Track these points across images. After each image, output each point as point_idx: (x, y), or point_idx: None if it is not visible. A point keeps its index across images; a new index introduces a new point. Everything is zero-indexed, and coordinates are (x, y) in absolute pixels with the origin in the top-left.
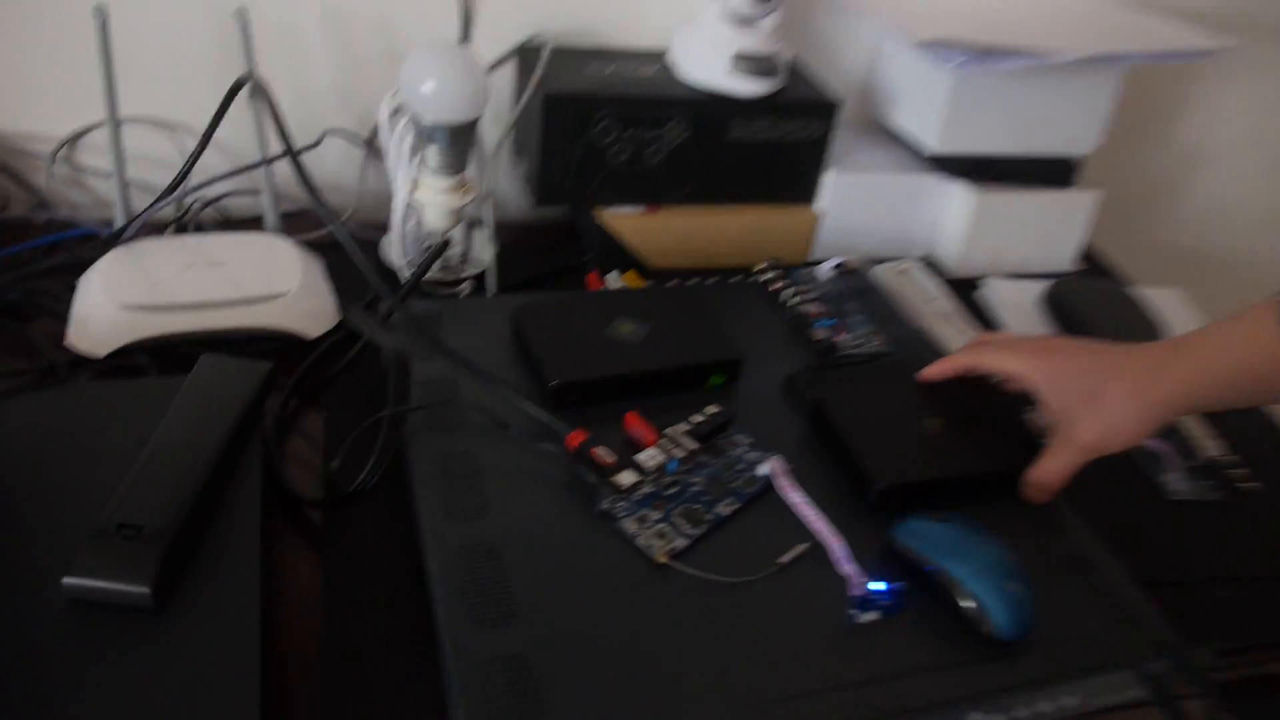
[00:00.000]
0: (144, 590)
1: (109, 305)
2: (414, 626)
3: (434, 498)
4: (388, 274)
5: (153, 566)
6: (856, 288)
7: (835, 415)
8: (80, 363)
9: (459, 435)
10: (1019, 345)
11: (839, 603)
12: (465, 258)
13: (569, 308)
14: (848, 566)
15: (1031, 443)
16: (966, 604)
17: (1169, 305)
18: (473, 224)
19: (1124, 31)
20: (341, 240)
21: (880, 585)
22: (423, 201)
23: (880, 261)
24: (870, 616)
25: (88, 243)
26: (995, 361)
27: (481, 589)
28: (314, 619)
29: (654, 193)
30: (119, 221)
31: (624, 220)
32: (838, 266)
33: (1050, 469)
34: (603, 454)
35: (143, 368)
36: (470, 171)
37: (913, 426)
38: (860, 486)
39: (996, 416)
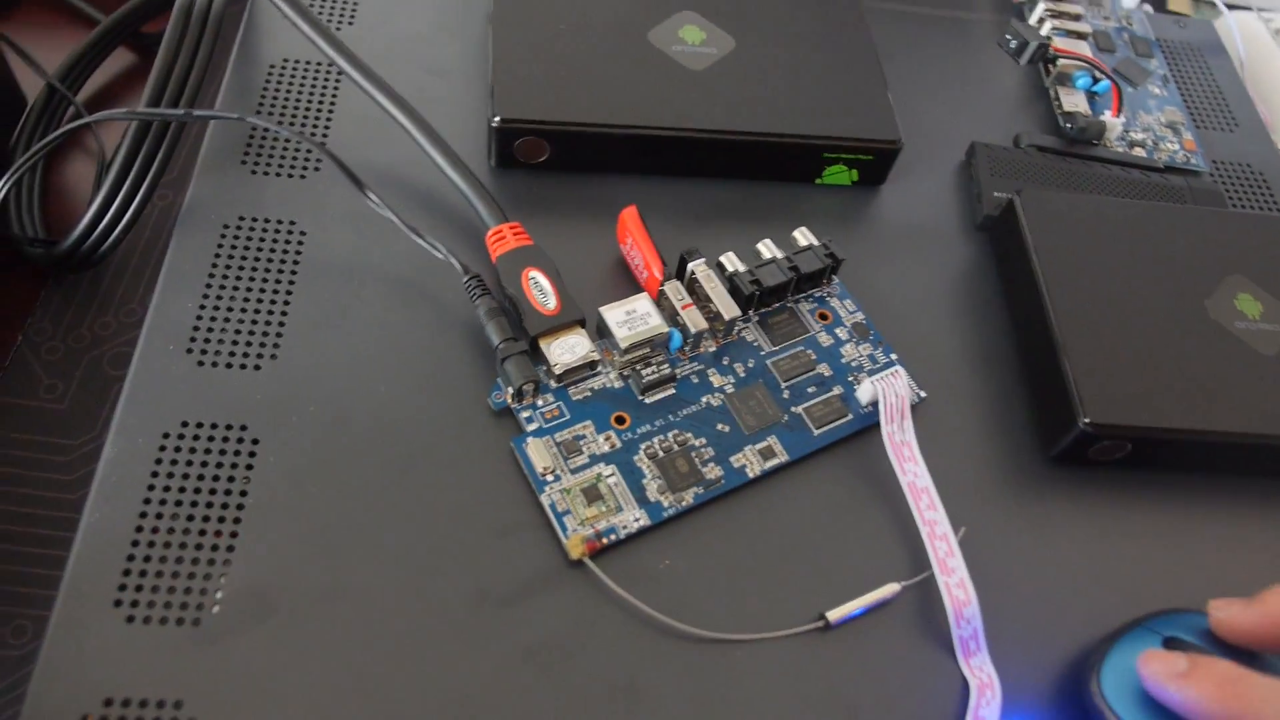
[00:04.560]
0: None
1: None
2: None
3: (180, 298)
4: None
5: None
6: (1178, 40)
7: (1036, 240)
8: None
9: (290, 185)
10: None
11: None
12: None
13: None
14: (979, 664)
15: None
16: None
17: None
18: None
19: None
20: None
21: None
22: None
23: (1241, 6)
24: None
25: None
26: None
27: (174, 531)
28: None
29: None
30: None
31: None
32: None
33: None
34: (540, 287)
35: None
36: None
37: (1197, 305)
38: (1048, 410)
39: None
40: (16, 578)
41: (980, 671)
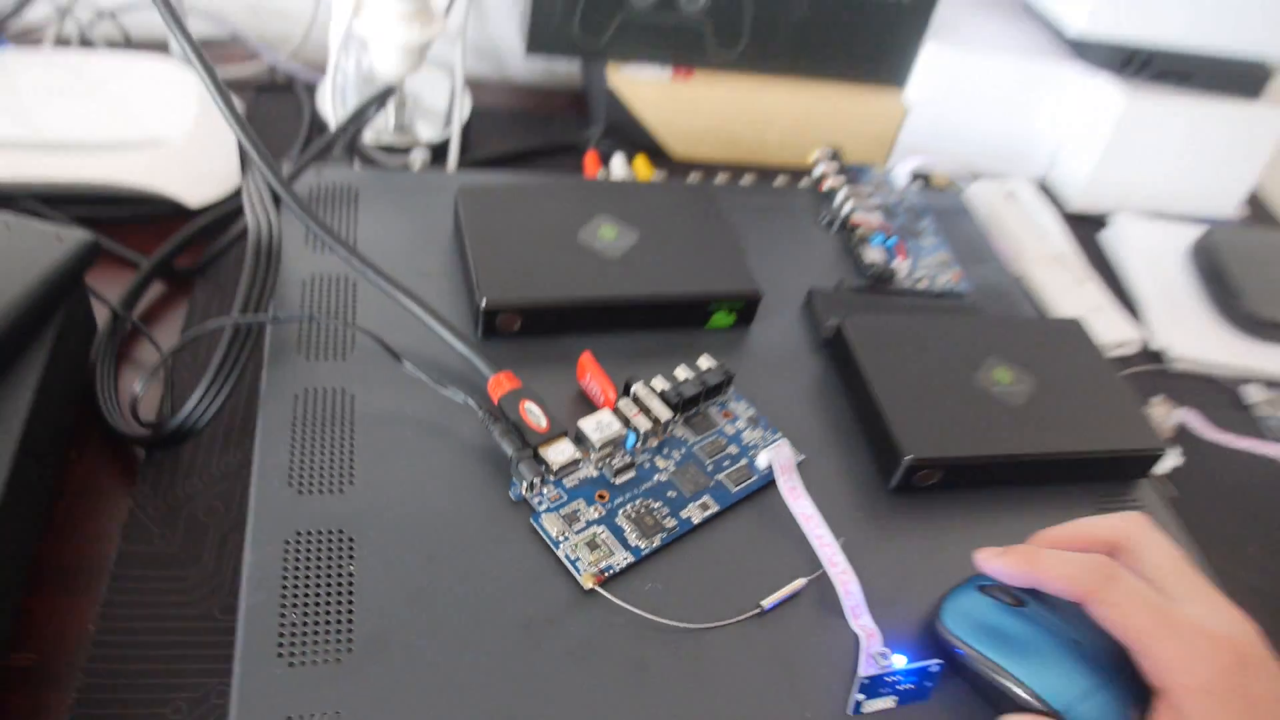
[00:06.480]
0: None
1: None
2: (223, 635)
3: (277, 452)
4: (322, 128)
5: None
6: (939, 205)
7: (860, 347)
8: None
9: (338, 364)
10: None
11: (843, 674)
12: (448, 119)
13: (535, 198)
14: (863, 622)
15: (1139, 423)
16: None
17: None
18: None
19: None
20: (195, 65)
21: (905, 663)
22: (367, 32)
23: (980, 178)
24: (882, 704)
25: None
26: (1142, 632)
27: (309, 602)
28: (94, 605)
29: (688, 51)
30: None
31: (643, 86)
32: (917, 173)
33: None
34: (532, 414)
35: None
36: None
37: (969, 378)
38: (884, 456)
39: (1092, 379)
40: (169, 672)
41: (865, 626)
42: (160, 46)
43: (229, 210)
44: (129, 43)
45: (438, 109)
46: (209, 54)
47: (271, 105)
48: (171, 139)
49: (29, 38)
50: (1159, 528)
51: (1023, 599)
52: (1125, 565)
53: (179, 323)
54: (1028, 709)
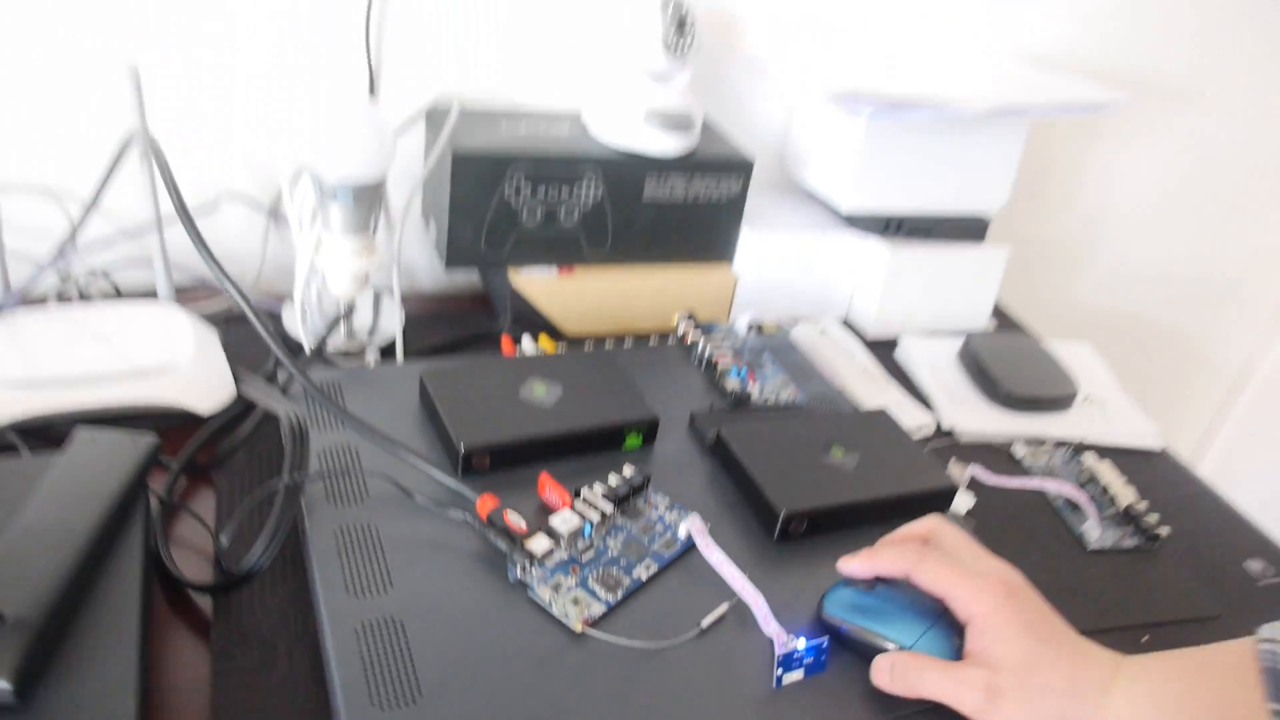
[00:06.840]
0: (3, 685)
1: None
2: (312, 716)
3: (332, 574)
4: (290, 344)
5: (15, 657)
6: (773, 344)
7: (736, 447)
8: None
9: (360, 506)
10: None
11: (765, 664)
12: (373, 328)
13: (479, 372)
14: (772, 625)
15: (935, 471)
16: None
17: (1080, 358)
18: (380, 293)
19: (1026, 86)
20: (237, 302)
21: (804, 644)
22: (325, 265)
23: (799, 321)
24: (795, 676)
25: None
26: (946, 584)
27: (383, 669)
28: (203, 714)
29: (568, 254)
30: None
31: (537, 284)
32: (752, 323)
33: (928, 680)
34: (514, 520)
35: (13, 446)
36: (378, 238)
37: (815, 457)
38: (765, 517)
39: (899, 447)
40: None
41: (773, 629)
42: (146, 294)
43: (232, 415)
44: (119, 293)
45: (367, 320)
46: (183, 298)
47: (240, 330)
48: (180, 363)
49: (34, 299)
50: (951, 522)
51: (873, 584)
52: (932, 547)
53: (203, 503)
54: (888, 650)
